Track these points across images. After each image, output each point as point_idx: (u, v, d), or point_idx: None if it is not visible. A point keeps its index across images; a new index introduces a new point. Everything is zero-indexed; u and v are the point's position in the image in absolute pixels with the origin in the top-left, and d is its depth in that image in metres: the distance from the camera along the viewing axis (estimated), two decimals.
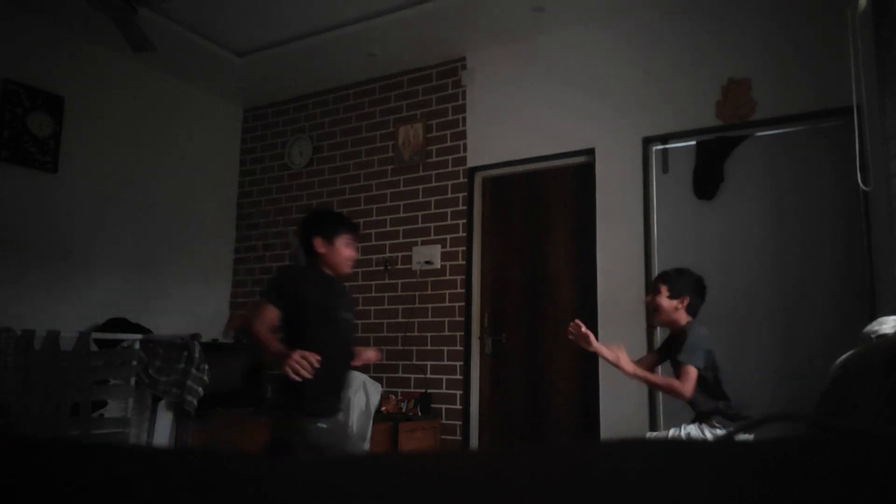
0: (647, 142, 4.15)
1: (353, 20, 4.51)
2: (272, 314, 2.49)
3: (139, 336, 4.54)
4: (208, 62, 5.06)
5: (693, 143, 4.02)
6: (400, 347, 4.82)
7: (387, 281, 4.98)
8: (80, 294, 4.61)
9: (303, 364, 2.29)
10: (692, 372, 2.67)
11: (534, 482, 0.32)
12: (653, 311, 2.94)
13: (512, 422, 4.45)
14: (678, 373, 2.72)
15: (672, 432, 2.86)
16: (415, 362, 4.74)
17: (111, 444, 0.40)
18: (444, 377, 4.61)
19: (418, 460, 0.37)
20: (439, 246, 4.79)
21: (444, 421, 4.53)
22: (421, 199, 4.93)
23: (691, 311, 2.85)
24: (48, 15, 4.41)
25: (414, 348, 4.77)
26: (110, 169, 4.79)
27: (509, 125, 4.63)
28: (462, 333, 4.58)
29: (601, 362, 4.04)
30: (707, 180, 3.95)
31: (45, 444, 0.39)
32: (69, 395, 3.98)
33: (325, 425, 2.53)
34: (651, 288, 3.00)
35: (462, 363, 4.54)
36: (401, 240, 4.97)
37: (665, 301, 2.84)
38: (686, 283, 2.87)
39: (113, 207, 4.80)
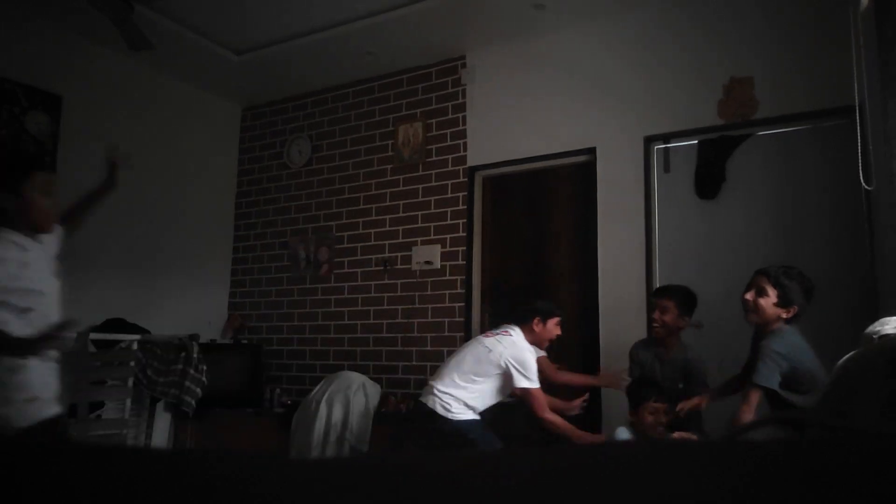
0: (649, 141, 4.13)
1: (352, 18, 4.49)
2: None
3: (137, 336, 4.53)
4: (206, 61, 5.04)
5: (695, 142, 4.00)
6: (400, 348, 4.80)
7: (386, 281, 4.96)
8: (77, 294, 4.58)
9: None
10: (754, 397, 2.39)
11: (535, 483, 0.32)
12: (751, 311, 2.62)
13: (512, 423, 4.42)
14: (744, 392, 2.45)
15: None
16: (415, 363, 4.72)
17: (109, 446, 0.40)
18: None
19: (418, 461, 0.37)
20: (439, 246, 4.77)
21: None
22: (421, 199, 4.91)
23: (793, 319, 2.57)
24: (46, 13, 4.40)
25: (414, 349, 4.75)
26: None
27: (510, 124, 4.61)
28: (462, 334, 4.55)
29: (601, 362, 4.03)
30: (709, 180, 3.93)
31: (44, 446, 0.39)
32: (66, 396, 3.96)
33: None
34: (754, 285, 2.63)
35: None
36: (400, 240, 4.95)
37: (770, 308, 2.55)
38: (799, 290, 2.55)
39: (110, 207, 4.77)
